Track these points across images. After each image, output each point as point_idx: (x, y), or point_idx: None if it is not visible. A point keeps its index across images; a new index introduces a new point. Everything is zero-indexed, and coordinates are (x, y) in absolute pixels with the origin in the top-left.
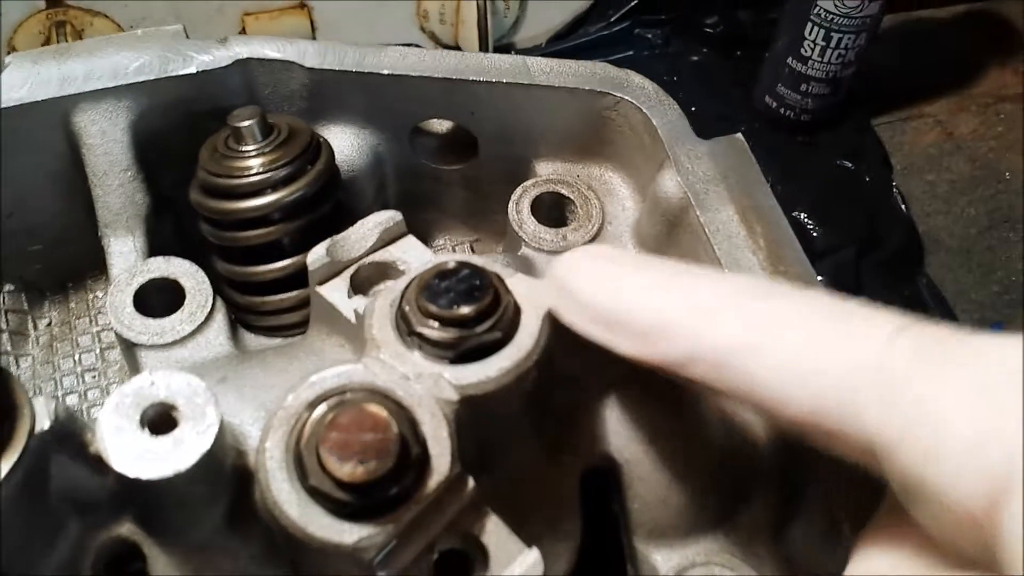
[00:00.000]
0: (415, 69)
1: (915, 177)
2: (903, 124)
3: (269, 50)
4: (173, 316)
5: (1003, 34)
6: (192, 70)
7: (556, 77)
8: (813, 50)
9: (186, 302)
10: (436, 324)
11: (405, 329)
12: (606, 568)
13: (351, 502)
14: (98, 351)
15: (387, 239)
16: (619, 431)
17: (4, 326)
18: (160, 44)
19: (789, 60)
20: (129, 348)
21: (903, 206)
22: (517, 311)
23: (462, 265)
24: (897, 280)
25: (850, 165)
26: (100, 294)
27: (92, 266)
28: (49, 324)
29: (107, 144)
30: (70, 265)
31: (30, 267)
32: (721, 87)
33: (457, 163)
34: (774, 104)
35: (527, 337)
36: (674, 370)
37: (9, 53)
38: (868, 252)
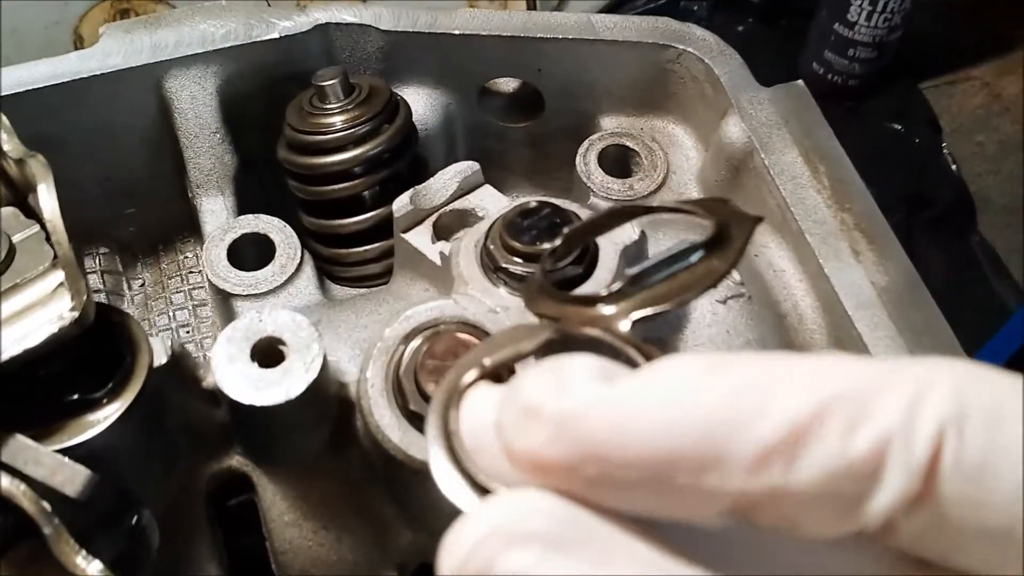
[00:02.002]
0: (485, 28)
1: (963, 138)
2: (949, 87)
3: (347, 14)
4: (266, 268)
5: None
6: (275, 35)
7: (620, 32)
8: (860, 15)
9: (276, 255)
10: (520, 260)
11: (491, 266)
12: None
13: None
14: (190, 307)
15: (466, 188)
16: None
17: (101, 287)
18: (244, 12)
19: (836, 26)
20: (225, 299)
21: (953, 166)
22: (596, 248)
23: (543, 204)
24: (948, 239)
25: (899, 127)
26: (189, 255)
27: (180, 228)
28: (143, 284)
29: (197, 108)
30: (160, 227)
31: (124, 229)
32: (767, 57)
33: (523, 121)
34: (821, 71)
35: (605, 272)
36: None
37: (75, 42)
38: (918, 212)
